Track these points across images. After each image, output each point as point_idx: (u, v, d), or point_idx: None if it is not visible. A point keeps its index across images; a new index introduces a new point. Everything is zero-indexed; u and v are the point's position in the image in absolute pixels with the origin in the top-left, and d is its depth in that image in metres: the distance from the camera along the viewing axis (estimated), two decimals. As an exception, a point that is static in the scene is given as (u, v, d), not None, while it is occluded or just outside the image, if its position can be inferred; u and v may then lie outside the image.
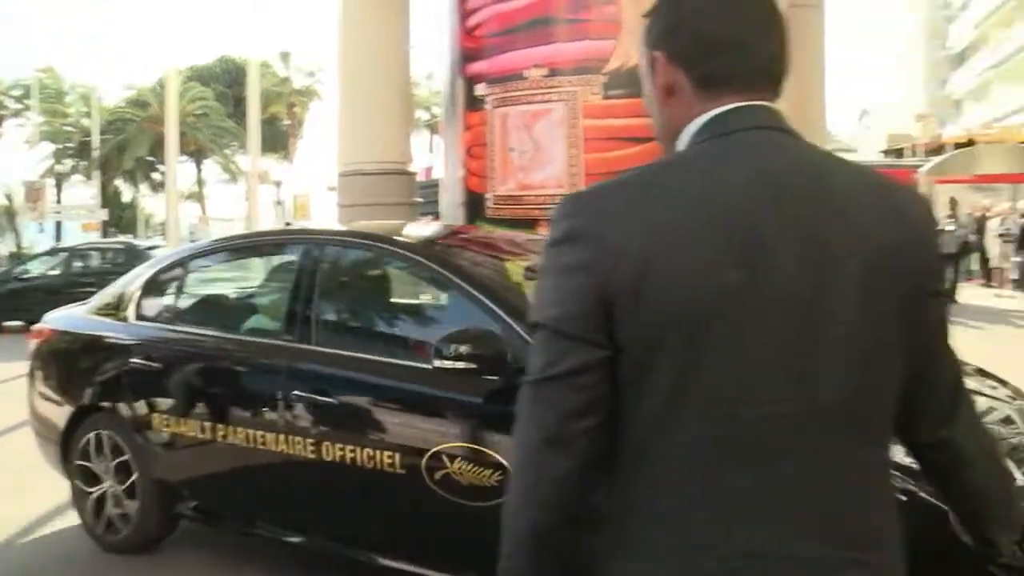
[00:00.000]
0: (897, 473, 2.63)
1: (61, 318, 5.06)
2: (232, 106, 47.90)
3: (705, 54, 1.21)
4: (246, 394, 3.94)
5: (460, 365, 3.06)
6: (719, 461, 1.12)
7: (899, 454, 1.43)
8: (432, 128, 46.91)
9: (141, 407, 4.27)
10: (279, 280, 4.46)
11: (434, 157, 45.41)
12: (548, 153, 7.49)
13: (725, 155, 1.17)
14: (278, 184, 40.74)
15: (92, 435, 4.48)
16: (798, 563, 1.11)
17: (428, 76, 47.51)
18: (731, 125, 1.19)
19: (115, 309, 4.69)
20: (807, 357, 1.12)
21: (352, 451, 3.44)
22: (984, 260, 18.75)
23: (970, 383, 3.13)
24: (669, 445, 1.13)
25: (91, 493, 4.50)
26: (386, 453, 3.35)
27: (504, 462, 3.01)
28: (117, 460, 4.38)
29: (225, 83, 49.40)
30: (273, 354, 3.87)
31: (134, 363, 4.33)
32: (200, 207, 49.12)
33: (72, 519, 4.79)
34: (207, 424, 3.96)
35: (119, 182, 48.09)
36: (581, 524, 1.18)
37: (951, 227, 16.34)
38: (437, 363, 3.10)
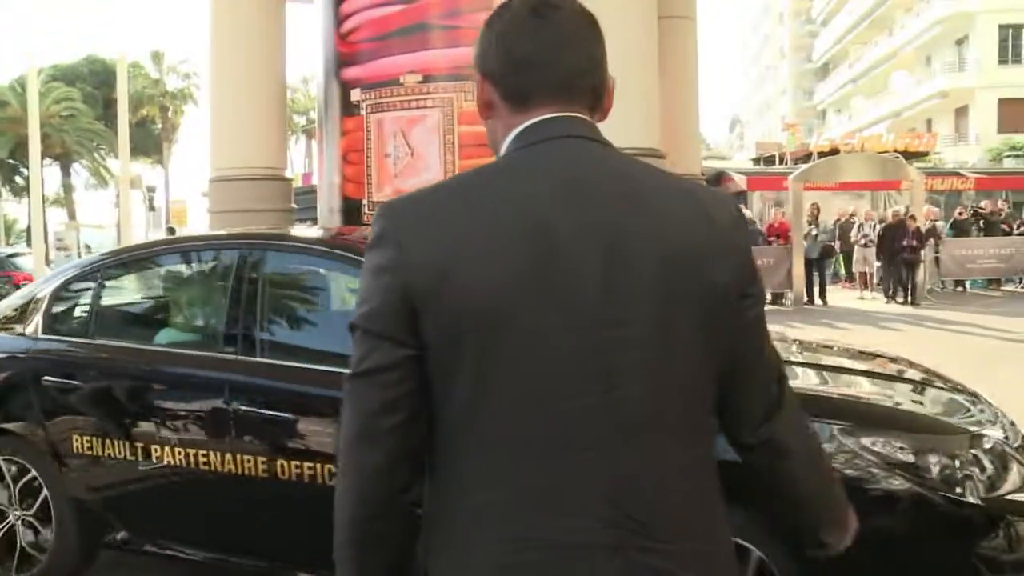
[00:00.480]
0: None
1: None
2: (102, 108, 45.95)
3: (511, 72, 1.27)
4: (183, 410, 3.63)
5: None
6: (523, 457, 1.16)
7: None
8: (310, 133, 46.16)
9: (58, 429, 3.86)
10: (207, 287, 4.15)
11: (312, 163, 44.71)
12: (424, 159, 7.43)
13: (530, 164, 1.23)
14: (152, 190, 39.31)
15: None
16: (600, 551, 1.14)
17: (305, 81, 46.79)
18: (538, 135, 1.25)
19: (15, 323, 4.24)
20: (604, 357, 1.16)
21: (311, 467, 3.25)
22: (848, 264, 19.60)
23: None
24: (475, 442, 1.18)
25: None
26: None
27: None
28: (20, 484, 3.95)
29: (93, 84, 47.34)
30: (211, 366, 3.57)
31: (47, 381, 3.90)
32: (67, 212, 46.93)
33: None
34: (138, 444, 3.63)
35: (-23, 186, 45.53)
36: (408, 520, 1.23)
37: (814, 232, 17.03)
38: None
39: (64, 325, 4.21)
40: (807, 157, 27.18)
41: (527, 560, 1.15)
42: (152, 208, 38.83)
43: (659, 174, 1.27)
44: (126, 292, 4.54)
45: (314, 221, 12.98)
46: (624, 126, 6.83)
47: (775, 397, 1.34)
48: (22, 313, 4.27)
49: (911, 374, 3.84)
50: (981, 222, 19.60)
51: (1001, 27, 38.82)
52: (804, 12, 67.87)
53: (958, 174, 26.99)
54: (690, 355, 1.20)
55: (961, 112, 40.73)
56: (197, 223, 32.92)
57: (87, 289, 4.23)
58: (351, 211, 7.94)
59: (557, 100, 1.26)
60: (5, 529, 3.99)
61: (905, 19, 44.68)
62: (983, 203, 21.16)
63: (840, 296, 17.60)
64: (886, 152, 25.01)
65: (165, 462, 3.55)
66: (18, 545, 3.98)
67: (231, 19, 9.55)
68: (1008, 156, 33.13)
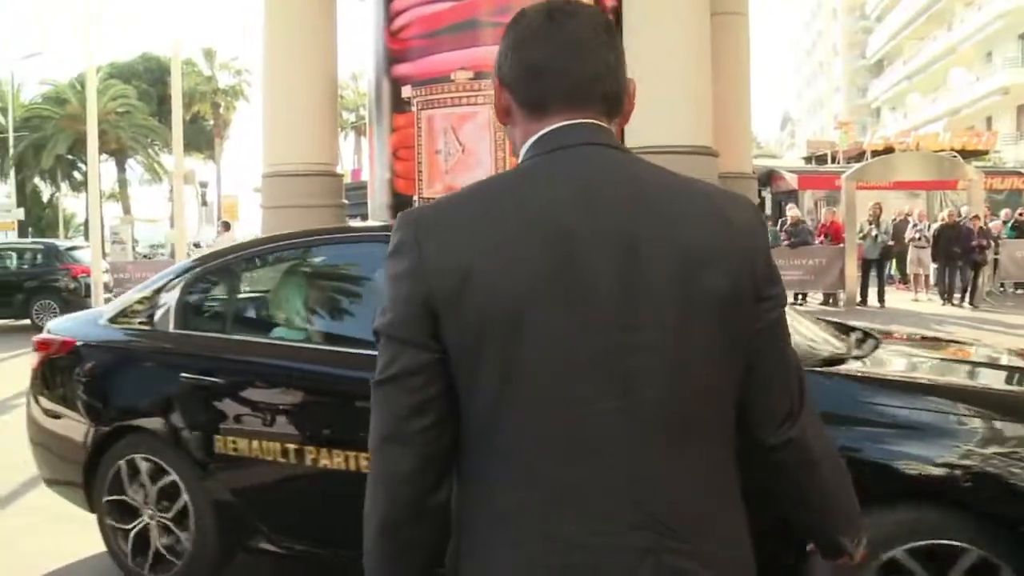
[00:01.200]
0: None
1: (73, 328, 4.36)
2: (156, 104, 46.79)
3: (527, 79, 1.29)
4: (337, 409, 3.47)
5: None
6: (545, 460, 1.18)
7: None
8: (359, 130, 46.50)
9: (198, 428, 3.69)
10: (350, 282, 3.96)
11: (361, 159, 45.05)
12: (475, 155, 7.46)
13: (549, 171, 1.25)
14: (204, 185, 39.93)
15: (124, 462, 3.87)
16: (629, 553, 1.17)
17: (354, 77, 47.14)
18: (556, 142, 1.26)
19: (146, 318, 4.09)
20: (622, 361, 1.17)
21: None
22: (902, 265, 19.26)
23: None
24: (499, 445, 1.20)
25: (130, 529, 3.87)
26: None
27: None
28: (159, 486, 3.80)
29: (148, 81, 48.26)
30: (362, 364, 3.37)
31: (185, 377, 3.73)
32: (122, 207, 47.85)
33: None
34: (290, 445, 3.44)
35: (37, 181, 46.59)
36: (438, 523, 1.25)
37: (874, 232, 16.70)
38: None
39: (200, 319, 4.07)
40: (860, 156, 26.79)
41: (553, 562, 1.17)
42: (204, 203, 39.49)
43: (675, 178, 1.28)
44: (261, 286, 4.27)
45: (364, 217, 13.09)
46: (675, 124, 6.79)
47: (796, 398, 1.35)
48: (150, 307, 4.11)
49: None
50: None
51: (1066, 22, 37.86)
52: (858, 8, 66.78)
53: (1019, 173, 26.40)
54: (707, 358, 1.21)
55: (1023, 109, 39.78)
56: (249, 218, 33.36)
57: (222, 283, 4.11)
58: (402, 207, 7.99)
59: (572, 107, 1.27)
60: (139, 527, 3.86)
61: (965, 13, 43.74)
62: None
63: (895, 298, 17.27)
64: (942, 151, 24.55)
65: (318, 463, 3.36)
66: (152, 545, 3.84)
67: (284, 16, 9.67)
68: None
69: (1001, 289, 18.01)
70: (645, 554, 1.17)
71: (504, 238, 1.18)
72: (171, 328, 3.98)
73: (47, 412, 4.24)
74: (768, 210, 24.91)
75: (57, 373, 4.26)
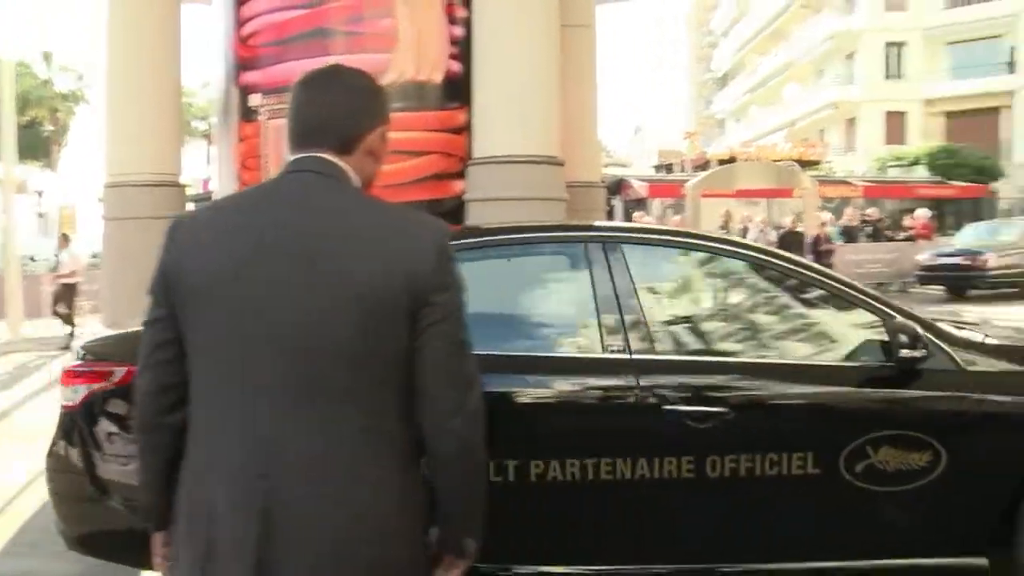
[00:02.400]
0: None
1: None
2: (-14, 109, 44.01)
3: (287, 122, 1.73)
4: (598, 422, 3.24)
5: (917, 354, 3.19)
6: (206, 405, 1.61)
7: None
8: (209, 138, 45.13)
9: None
10: (569, 285, 3.64)
11: (212, 168, 43.60)
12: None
13: (266, 187, 1.71)
14: (39, 194, 37.80)
15: None
16: (249, 491, 1.53)
17: (205, 84, 45.73)
18: (285, 169, 1.68)
19: None
20: (272, 338, 1.53)
21: (749, 461, 3.14)
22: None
23: None
24: (194, 387, 1.64)
25: None
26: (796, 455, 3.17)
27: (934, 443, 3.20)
28: None
29: (-23, 84, 45.34)
30: (625, 370, 3.21)
31: None
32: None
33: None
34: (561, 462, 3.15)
35: None
36: (172, 437, 1.68)
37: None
38: (902, 355, 3.21)
39: None
40: (706, 165, 27.90)
41: (200, 497, 1.58)
42: (41, 214, 37.38)
43: (360, 201, 1.64)
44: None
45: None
46: (523, 135, 6.92)
47: (455, 398, 1.59)
48: None
49: None
50: (868, 228, 20.46)
51: (887, 44, 40.62)
52: (705, 23, 69.62)
53: (847, 182, 28.09)
54: (348, 346, 1.52)
55: (851, 123, 42.40)
56: (89, 230, 31.79)
57: None
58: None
59: (303, 144, 1.67)
60: None
61: (800, 33, 46.28)
62: (869, 210, 22.09)
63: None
64: (781, 161, 25.87)
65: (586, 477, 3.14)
66: None
67: (126, 19, 9.30)
68: (892, 166, 34.63)
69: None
70: (267, 484, 1.52)
71: (211, 235, 1.61)
72: None
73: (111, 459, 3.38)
74: (620, 218, 25.62)
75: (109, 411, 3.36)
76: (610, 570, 3.27)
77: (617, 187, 25.96)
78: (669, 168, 32.15)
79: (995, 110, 38.78)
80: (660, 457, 3.14)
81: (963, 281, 17.37)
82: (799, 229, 17.54)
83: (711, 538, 3.28)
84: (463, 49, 7.36)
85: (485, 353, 2.94)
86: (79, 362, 3.45)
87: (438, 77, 7.45)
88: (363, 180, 1.71)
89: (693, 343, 3.61)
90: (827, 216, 20.49)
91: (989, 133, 37.59)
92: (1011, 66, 38.27)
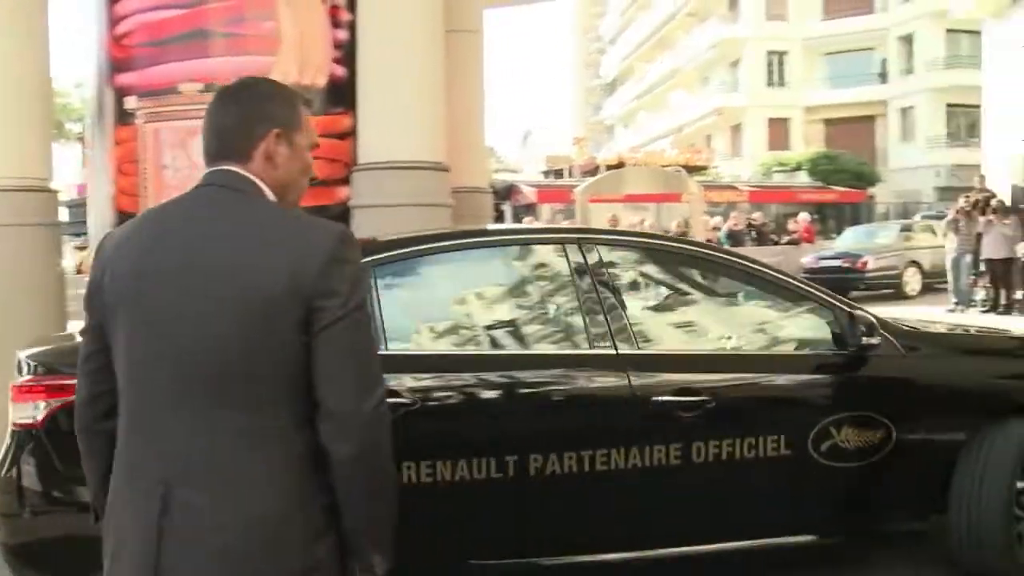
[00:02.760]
0: None
1: None
2: None
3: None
4: (579, 414, 3.45)
5: (874, 341, 3.60)
6: (127, 412, 1.69)
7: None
8: (86, 142, 43.43)
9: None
10: (539, 285, 3.77)
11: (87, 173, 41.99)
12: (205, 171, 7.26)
13: (176, 204, 1.76)
14: None
15: None
16: (148, 490, 1.60)
17: (78, 85, 44.02)
18: (197, 183, 1.75)
19: None
20: (171, 345, 1.61)
21: (730, 445, 3.45)
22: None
23: None
24: (119, 401, 1.72)
25: None
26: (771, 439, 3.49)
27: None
28: None
29: None
30: (605, 365, 3.45)
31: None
32: None
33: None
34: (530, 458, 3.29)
35: None
36: (106, 441, 1.75)
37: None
38: (863, 343, 3.61)
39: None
40: (595, 170, 28.39)
41: (121, 496, 1.66)
42: None
43: (256, 210, 1.68)
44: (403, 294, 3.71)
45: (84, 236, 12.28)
46: (408, 141, 6.95)
47: (352, 404, 1.59)
48: None
49: None
50: (754, 232, 21.19)
51: (769, 53, 42.22)
52: (594, 29, 70.78)
53: (733, 187, 29.04)
54: (242, 349, 1.58)
55: (736, 129, 43.85)
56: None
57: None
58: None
59: (210, 158, 1.76)
60: None
61: (685, 40, 47.60)
62: (755, 215, 22.87)
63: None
64: (668, 166, 26.53)
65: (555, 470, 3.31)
66: None
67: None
68: (776, 171, 35.99)
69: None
70: (167, 487, 1.58)
71: (128, 247, 1.69)
72: None
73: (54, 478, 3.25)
74: (509, 223, 25.86)
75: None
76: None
77: (507, 193, 26.21)
78: (559, 173, 32.61)
79: (871, 118, 40.81)
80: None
81: (844, 283, 18.10)
82: (686, 232, 18.04)
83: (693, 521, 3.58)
84: (347, 53, 7.35)
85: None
86: (30, 377, 3.30)
87: (322, 81, 7.41)
88: (279, 188, 1.74)
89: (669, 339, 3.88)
90: (717, 220, 21.16)
91: (866, 140, 39.54)
92: (883, 77, 40.32)
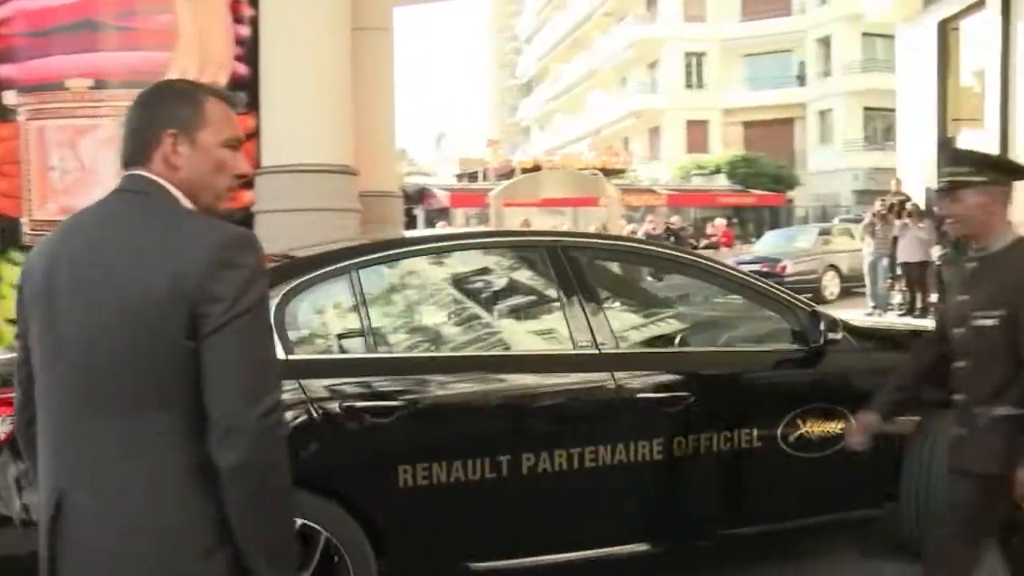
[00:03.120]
0: None
1: None
2: None
3: None
4: (564, 412, 3.70)
5: (838, 337, 3.95)
6: (41, 419, 1.75)
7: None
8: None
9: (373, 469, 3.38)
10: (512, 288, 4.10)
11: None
12: (96, 174, 7.05)
13: (92, 207, 1.79)
14: None
15: None
16: (49, 489, 1.69)
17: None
18: (113, 188, 1.79)
19: None
20: (60, 352, 1.67)
21: (708, 439, 3.75)
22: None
23: None
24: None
25: None
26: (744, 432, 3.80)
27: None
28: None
29: None
30: (587, 365, 3.70)
31: (350, 408, 3.31)
32: None
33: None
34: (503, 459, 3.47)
35: None
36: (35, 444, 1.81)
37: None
38: (830, 338, 3.93)
39: (323, 338, 3.64)
40: (510, 173, 28.52)
41: (45, 499, 1.71)
42: None
43: (155, 215, 1.69)
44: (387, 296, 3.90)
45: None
46: (314, 143, 6.88)
47: (232, 416, 1.58)
48: None
49: None
50: (672, 236, 21.56)
51: (687, 54, 43.06)
52: (509, 29, 71.12)
53: (652, 191, 29.52)
54: (125, 356, 1.61)
55: (654, 132, 44.58)
56: None
57: (341, 293, 3.59)
58: (7, 230, 7.33)
59: (124, 164, 1.78)
60: None
61: (602, 41, 48.18)
62: (673, 219, 23.28)
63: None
64: (586, 169, 26.84)
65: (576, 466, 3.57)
66: None
67: None
68: (695, 175, 36.70)
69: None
70: (62, 492, 1.64)
71: (41, 257, 1.75)
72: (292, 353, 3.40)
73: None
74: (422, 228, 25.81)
75: None
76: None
77: (419, 197, 26.16)
78: (473, 177, 32.65)
79: (789, 121, 41.94)
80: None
81: (763, 287, 18.62)
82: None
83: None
84: (250, 50, 7.25)
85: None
86: None
87: (223, 79, 7.29)
88: (188, 189, 1.74)
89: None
90: (634, 225, 21.45)
91: (784, 143, 40.61)
92: (802, 79, 41.48)
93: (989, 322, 2.86)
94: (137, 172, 1.75)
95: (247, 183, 7.03)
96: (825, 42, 40.27)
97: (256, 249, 1.69)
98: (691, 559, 4.02)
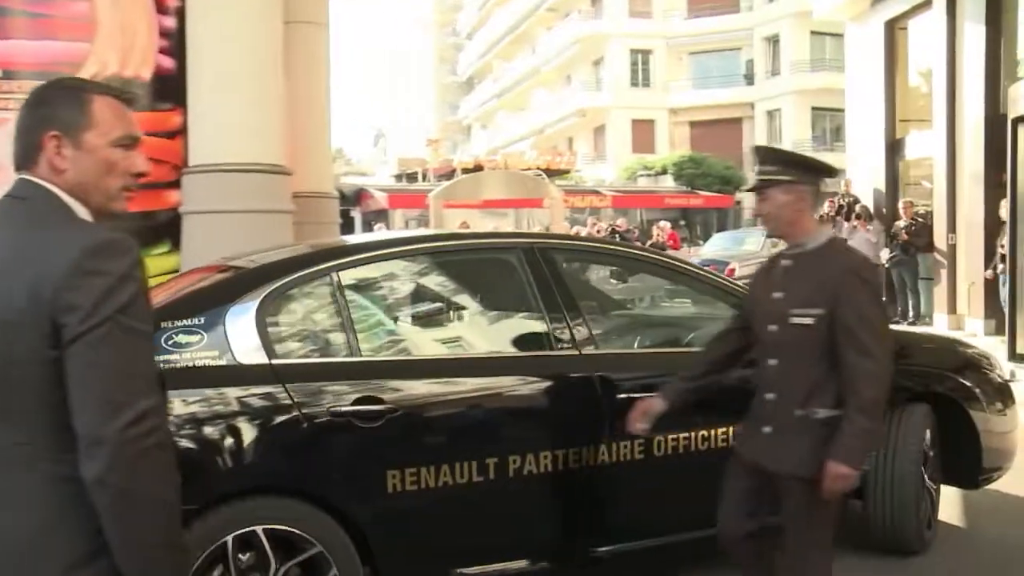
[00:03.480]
0: None
1: None
2: None
3: None
4: (544, 415, 3.81)
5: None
6: None
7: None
8: None
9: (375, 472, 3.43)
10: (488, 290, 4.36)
11: None
12: (7, 169, 6.88)
13: None
14: None
15: (231, 538, 3.17)
16: None
17: None
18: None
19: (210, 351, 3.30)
20: None
21: (686, 438, 3.92)
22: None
23: None
24: None
25: None
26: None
27: None
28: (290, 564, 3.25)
29: None
30: (566, 366, 3.84)
31: (338, 411, 3.34)
32: None
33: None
34: (490, 462, 3.60)
35: None
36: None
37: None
38: None
39: (308, 343, 3.63)
40: (451, 174, 28.52)
41: None
42: None
43: (27, 222, 1.70)
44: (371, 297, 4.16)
45: None
46: (244, 141, 6.79)
47: (93, 427, 1.59)
48: (200, 336, 3.34)
49: None
50: (618, 238, 21.74)
51: (632, 51, 43.43)
52: (450, 24, 71.02)
53: (596, 192, 29.71)
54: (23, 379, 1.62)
55: (599, 131, 44.88)
56: None
57: (322, 296, 3.66)
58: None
59: (15, 168, 1.77)
60: None
61: (546, 37, 48.40)
62: (618, 220, 23.49)
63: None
64: (529, 169, 26.92)
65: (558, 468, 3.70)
66: None
67: None
68: (641, 175, 37.02)
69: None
70: None
71: None
72: (258, 360, 3.37)
73: None
74: (359, 230, 25.66)
75: None
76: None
77: (356, 198, 26.01)
78: (412, 177, 32.58)
79: (737, 120, 42.49)
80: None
81: (710, 292, 18.85)
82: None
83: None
84: (176, 43, 7.14)
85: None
86: None
87: (147, 73, 7.19)
88: (77, 192, 1.75)
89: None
90: (578, 228, 21.57)
91: (732, 143, 41.08)
92: (750, 78, 42.08)
93: (807, 320, 2.97)
94: (24, 176, 1.76)
95: (174, 182, 6.93)
96: (773, 40, 40.89)
97: (126, 255, 1.66)
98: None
